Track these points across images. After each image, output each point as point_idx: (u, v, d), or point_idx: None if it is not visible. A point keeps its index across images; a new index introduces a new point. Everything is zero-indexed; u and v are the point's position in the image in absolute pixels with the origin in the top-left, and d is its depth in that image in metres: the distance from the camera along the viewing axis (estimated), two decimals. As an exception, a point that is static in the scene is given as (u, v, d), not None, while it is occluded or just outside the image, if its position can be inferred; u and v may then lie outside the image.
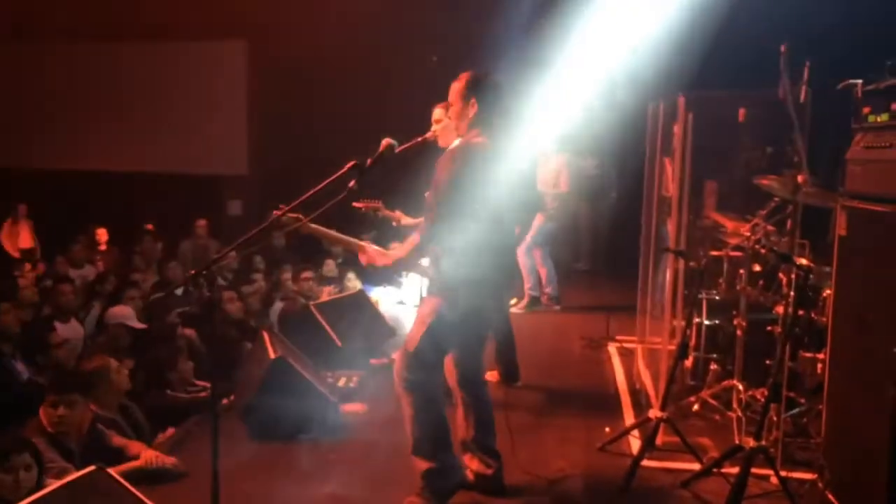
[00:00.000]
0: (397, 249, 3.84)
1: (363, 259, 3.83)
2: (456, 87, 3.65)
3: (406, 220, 4.36)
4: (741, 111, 6.15)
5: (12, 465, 3.24)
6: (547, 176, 7.67)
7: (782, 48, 4.07)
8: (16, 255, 10.11)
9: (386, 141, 3.41)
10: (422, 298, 3.78)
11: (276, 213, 3.55)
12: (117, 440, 4.21)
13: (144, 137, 11.55)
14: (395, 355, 3.89)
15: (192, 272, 3.09)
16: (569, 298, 8.30)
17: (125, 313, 5.74)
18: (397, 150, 3.39)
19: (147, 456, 4.04)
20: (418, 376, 3.60)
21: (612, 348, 6.64)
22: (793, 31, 4.38)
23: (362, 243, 3.92)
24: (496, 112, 3.64)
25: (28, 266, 8.78)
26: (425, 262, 3.87)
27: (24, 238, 10.56)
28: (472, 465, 3.91)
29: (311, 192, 3.28)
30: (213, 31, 10.93)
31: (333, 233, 3.99)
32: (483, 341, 3.96)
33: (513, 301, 7.71)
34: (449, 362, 3.89)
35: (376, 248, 3.86)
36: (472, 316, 3.64)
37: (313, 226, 3.73)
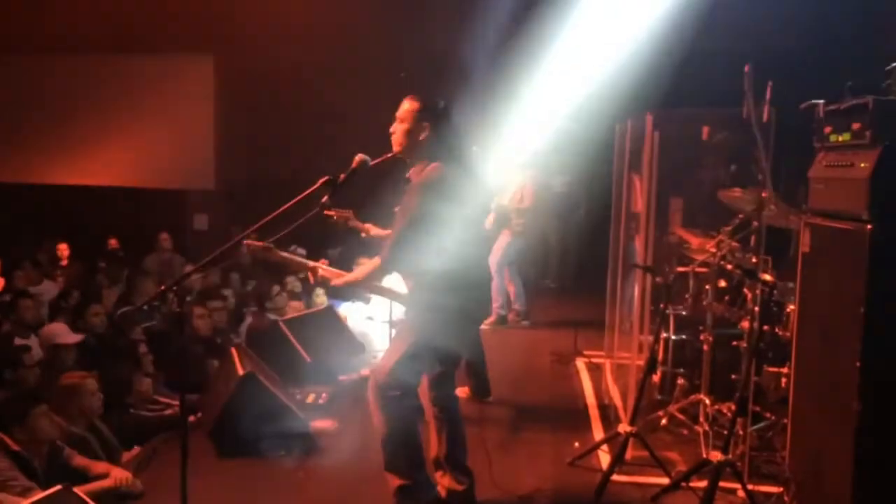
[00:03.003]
0: (354, 272, 3.87)
1: (312, 280, 3.88)
2: (409, 108, 3.66)
3: (375, 231, 4.37)
4: (705, 129, 6.27)
5: None
6: (512, 192, 7.72)
7: (746, 68, 4.17)
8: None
9: (359, 157, 3.42)
10: (398, 320, 3.81)
11: (246, 242, 3.56)
12: (79, 460, 4.12)
13: (110, 151, 11.40)
14: (369, 372, 3.90)
15: (163, 287, 3.07)
16: (537, 314, 8.35)
17: (57, 330, 5.54)
18: (370, 165, 3.41)
19: (117, 476, 3.97)
20: (393, 395, 3.61)
21: (580, 363, 6.68)
22: (756, 51, 4.49)
23: (314, 265, 3.93)
24: (449, 134, 3.67)
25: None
26: (396, 286, 3.89)
27: (-17, 253, 10.34)
28: (443, 481, 3.90)
29: (282, 209, 3.28)
30: (179, 44, 10.85)
31: (290, 257, 4.01)
32: (456, 363, 3.98)
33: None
34: (422, 381, 3.90)
35: (330, 269, 3.89)
36: (448, 339, 3.67)
37: (281, 254, 3.77)
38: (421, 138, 3.63)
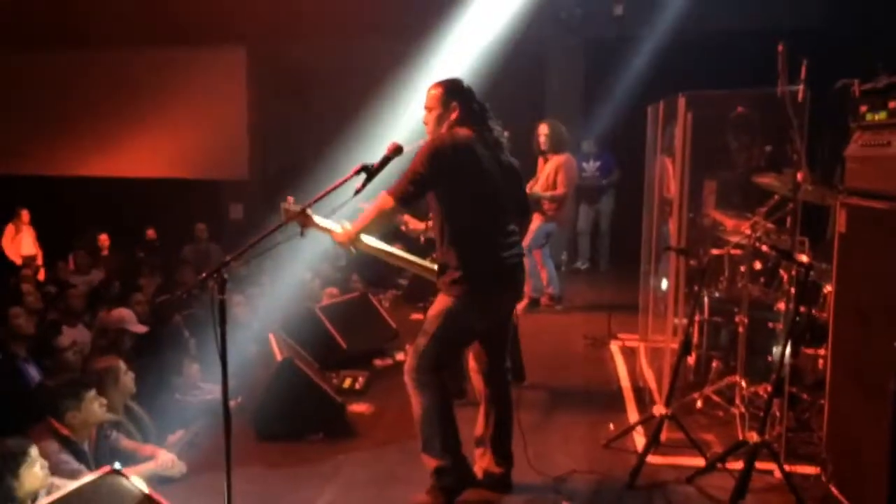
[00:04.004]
0: (361, 215, 3.72)
1: (338, 240, 3.73)
2: (435, 94, 3.71)
3: (414, 224, 4.38)
4: (738, 109, 6.21)
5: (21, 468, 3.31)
6: (544, 177, 7.71)
7: (779, 47, 4.12)
8: (18, 261, 10.15)
9: (393, 144, 3.47)
10: (430, 303, 3.81)
11: (284, 207, 3.60)
12: (126, 442, 4.26)
13: (145, 143, 11.60)
14: (405, 354, 3.89)
15: (204, 275, 3.15)
16: (570, 298, 8.35)
17: (126, 317, 5.76)
18: (404, 152, 3.45)
19: (162, 458, 4.10)
20: (429, 375, 3.64)
21: (614, 347, 6.68)
22: (789, 30, 4.44)
23: (332, 226, 3.77)
24: (476, 113, 3.70)
25: (29, 272, 8.80)
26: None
27: (27, 244, 10.61)
28: (482, 462, 3.95)
29: (319, 195, 3.33)
30: (212, 35, 10.97)
31: (322, 222, 3.75)
32: (503, 336, 3.93)
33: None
34: (472, 359, 3.95)
35: (346, 225, 3.74)
36: (479, 315, 3.67)
37: (316, 219, 3.69)
38: (453, 118, 3.67)
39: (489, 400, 3.95)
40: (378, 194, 3.62)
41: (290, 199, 3.65)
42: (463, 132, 3.63)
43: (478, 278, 3.60)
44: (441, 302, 3.67)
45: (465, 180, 3.57)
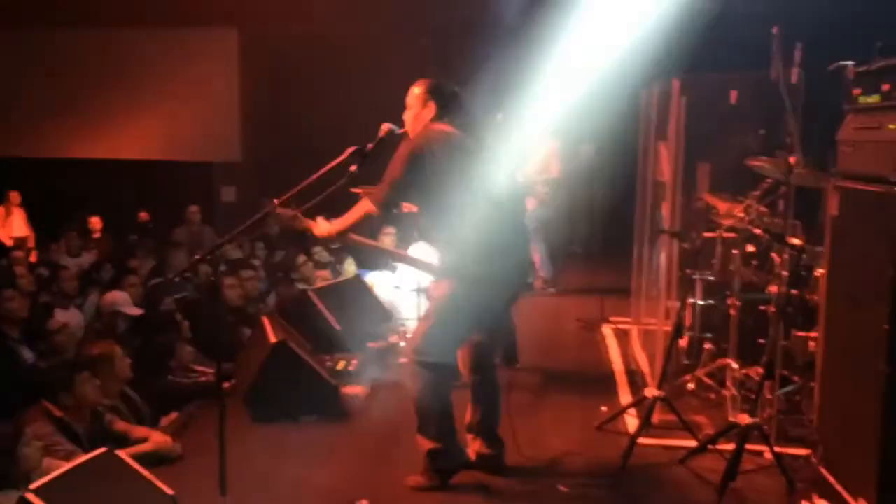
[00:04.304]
0: (342, 217, 3.79)
1: (319, 234, 3.81)
2: (415, 92, 3.75)
3: (405, 207, 4.38)
4: (733, 93, 6.21)
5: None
6: (538, 161, 7.71)
7: (774, 30, 4.12)
8: (9, 243, 10.10)
9: (386, 126, 3.47)
10: (426, 287, 3.84)
11: (274, 204, 3.59)
12: (120, 424, 4.26)
13: (137, 125, 11.51)
14: (399, 336, 3.87)
15: (197, 257, 3.15)
16: (564, 281, 8.38)
17: (120, 300, 5.75)
18: (398, 133, 3.45)
19: (157, 440, 4.11)
20: (429, 358, 3.68)
21: (606, 330, 6.72)
22: (784, 13, 4.43)
23: (312, 223, 3.86)
24: (455, 112, 3.72)
25: (20, 254, 8.76)
26: (416, 252, 3.90)
27: (18, 226, 10.55)
28: (474, 445, 3.98)
29: (311, 178, 3.33)
30: (203, 17, 10.88)
31: (310, 223, 3.89)
32: (496, 325, 4.01)
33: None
34: (462, 347, 3.96)
35: (326, 222, 3.81)
36: (483, 300, 3.70)
37: (306, 221, 3.77)
38: (428, 117, 3.70)
39: (475, 385, 3.98)
40: (361, 199, 3.69)
41: (275, 201, 3.64)
42: (438, 128, 3.65)
43: (478, 269, 3.61)
44: (443, 287, 3.70)
45: (446, 176, 3.57)
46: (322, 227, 3.79)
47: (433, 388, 3.70)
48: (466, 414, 4.00)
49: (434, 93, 3.71)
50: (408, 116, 3.76)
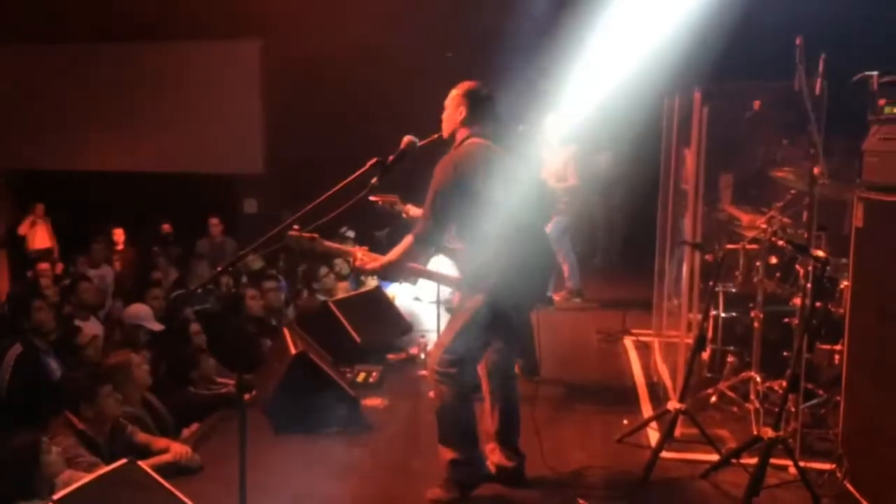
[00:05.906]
0: (390, 253, 3.89)
1: (357, 264, 3.92)
2: (452, 94, 3.83)
3: (415, 212, 4.39)
4: (756, 103, 6.17)
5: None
6: (554, 170, 7.67)
7: (798, 41, 4.09)
8: (33, 254, 10.23)
9: (408, 138, 3.48)
10: (446, 299, 3.86)
11: (291, 233, 3.61)
12: (142, 436, 4.29)
13: (159, 137, 11.63)
14: (419, 348, 3.86)
15: (219, 269, 3.16)
16: (585, 293, 8.31)
17: (143, 313, 5.79)
18: (418, 146, 3.46)
19: (177, 451, 4.12)
20: (449, 371, 3.68)
21: (628, 342, 6.66)
22: (808, 23, 4.40)
23: (353, 250, 4.01)
24: (485, 117, 3.78)
25: (45, 266, 8.86)
26: (446, 269, 3.93)
27: (42, 238, 10.69)
28: (493, 457, 3.97)
29: (332, 190, 3.33)
30: (227, 30, 10.99)
31: (335, 246, 4.09)
32: (517, 338, 4.03)
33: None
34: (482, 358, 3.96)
35: (368, 254, 3.93)
36: (507, 314, 3.72)
37: (327, 243, 3.84)
38: (459, 121, 3.77)
39: (493, 395, 3.98)
40: (405, 238, 3.77)
41: (296, 227, 3.65)
42: (466, 146, 3.69)
43: (501, 282, 3.64)
44: (467, 300, 3.73)
45: (476, 197, 3.59)
46: (365, 258, 3.86)
47: (455, 400, 3.70)
48: (486, 422, 3.99)
49: (468, 96, 3.78)
50: (444, 117, 3.86)
